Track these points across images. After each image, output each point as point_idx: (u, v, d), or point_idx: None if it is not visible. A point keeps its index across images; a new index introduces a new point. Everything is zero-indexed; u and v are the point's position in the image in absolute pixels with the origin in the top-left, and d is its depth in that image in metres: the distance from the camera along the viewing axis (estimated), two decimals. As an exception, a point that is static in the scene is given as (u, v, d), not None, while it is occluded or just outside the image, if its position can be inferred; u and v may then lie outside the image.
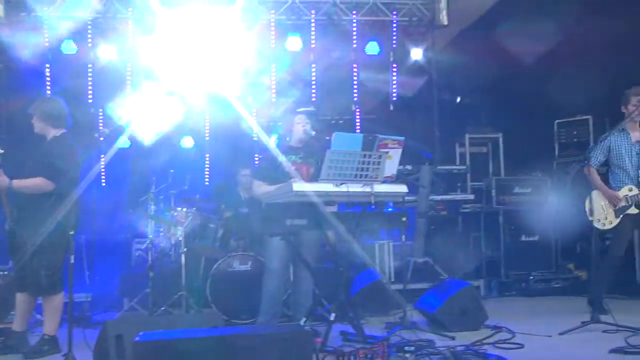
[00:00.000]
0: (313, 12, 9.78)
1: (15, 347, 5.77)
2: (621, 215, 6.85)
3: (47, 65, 9.23)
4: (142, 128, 9.24)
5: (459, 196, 9.41)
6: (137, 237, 9.07)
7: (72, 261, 5.16)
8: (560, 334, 6.01)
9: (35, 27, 9.19)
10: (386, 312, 7.32)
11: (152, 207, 7.79)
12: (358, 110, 10.19)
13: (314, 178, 5.98)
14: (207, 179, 10.10)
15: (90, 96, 9.46)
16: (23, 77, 9.22)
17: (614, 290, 7.88)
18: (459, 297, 6.50)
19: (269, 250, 6.21)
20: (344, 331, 5.99)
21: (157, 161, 8.90)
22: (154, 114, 9.33)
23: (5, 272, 7.01)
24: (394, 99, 10.15)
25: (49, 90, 9.15)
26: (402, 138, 5.68)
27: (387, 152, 5.57)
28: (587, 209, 6.95)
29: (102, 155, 9.18)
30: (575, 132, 9.78)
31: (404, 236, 6.54)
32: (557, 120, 9.97)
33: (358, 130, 9.99)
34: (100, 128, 9.20)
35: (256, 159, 9.62)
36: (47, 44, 9.18)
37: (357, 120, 10.20)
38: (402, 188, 5.84)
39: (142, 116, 9.19)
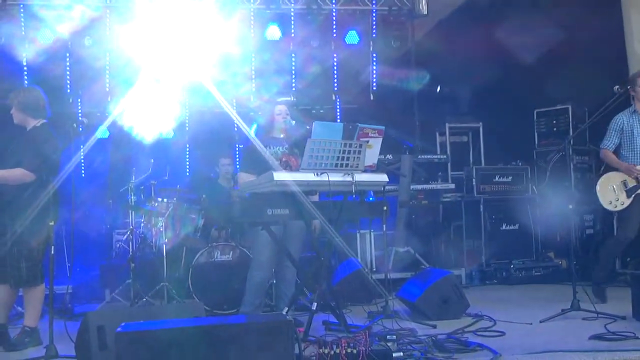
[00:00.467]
0: (292, 1, 9.75)
1: (-4, 340, 5.73)
2: (633, 196, 6.89)
3: (24, 55, 9.12)
4: (123, 118, 9.17)
5: (439, 185, 9.43)
6: (118, 228, 9.03)
7: (53, 252, 5.13)
8: (541, 321, 6.05)
9: (12, 16, 9.09)
10: (368, 301, 7.31)
11: (133, 197, 7.75)
12: (338, 99, 10.19)
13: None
14: (187, 169, 10.05)
15: (68, 86, 9.37)
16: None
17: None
18: (440, 285, 6.52)
19: (258, 242, 6.17)
20: (326, 320, 6.01)
21: (137, 151, 8.85)
22: (135, 104, 9.26)
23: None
24: (374, 88, 10.16)
25: (26, 80, 9.05)
26: (383, 127, 5.68)
27: (367, 141, 5.57)
28: (597, 193, 7.00)
29: (81, 146, 9.11)
30: (554, 122, 9.84)
31: (385, 225, 6.53)
32: (537, 110, 10.03)
33: (338, 120, 9.99)
34: (80, 118, 9.13)
35: (237, 148, 9.60)
36: (23, 33, 9.08)
37: (338, 110, 10.20)
38: (383, 177, 5.84)
39: (122, 106, 9.12)
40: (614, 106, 6.81)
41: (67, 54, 9.33)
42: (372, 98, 10.17)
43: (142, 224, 8.03)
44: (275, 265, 6.43)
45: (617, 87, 6.67)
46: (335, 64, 10.08)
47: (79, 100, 9.48)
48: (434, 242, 9.42)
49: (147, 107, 9.37)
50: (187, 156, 10.07)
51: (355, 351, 4.59)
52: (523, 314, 6.35)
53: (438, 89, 10.79)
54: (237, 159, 9.28)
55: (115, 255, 8.91)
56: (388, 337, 5.12)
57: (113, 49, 9.35)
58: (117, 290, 7.65)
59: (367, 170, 5.63)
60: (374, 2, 9.99)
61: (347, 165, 5.45)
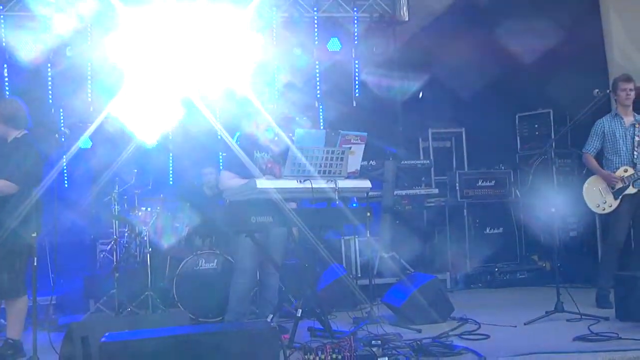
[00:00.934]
0: (274, 9, 9.77)
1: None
2: (620, 197, 6.92)
3: (5, 66, 9.08)
4: (106, 128, 9.16)
5: (423, 190, 9.45)
6: (102, 238, 8.98)
7: (35, 264, 5.10)
8: (526, 323, 6.10)
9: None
10: (353, 307, 7.34)
11: (116, 207, 7.72)
12: (321, 106, 10.21)
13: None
14: (170, 178, 10.02)
15: (50, 96, 9.33)
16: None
17: (576, 279, 8.03)
18: (424, 290, 6.54)
19: (240, 249, 6.13)
20: (311, 327, 6.01)
21: (120, 161, 8.81)
22: (117, 114, 9.24)
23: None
24: (357, 94, 10.19)
25: (7, 90, 9.01)
26: (365, 134, 5.71)
27: (350, 148, 5.59)
28: (584, 197, 7.04)
29: (63, 156, 9.07)
30: (536, 126, 9.91)
31: (368, 231, 6.55)
32: (519, 114, 10.09)
33: (321, 127, 10.00)
34: (62, 128, 9.09)
35: (220, 157, 9.58)
36: (4, 44, 9.05)
37: (321, 117, 10.22)
38: (366, 183, 5.88)
39: (104, 116, 9.10)
40: (594, 109, 6.87)
41: (49, 65, 9.28)
42: (354, 104, 10.19)
43: (126, 234, 8.01)
44: (259, 273, 6.42)
45: (596, 90, 6.72)
46: (317, 70, 10.10)
47: (61, 110, 9.43)
48: (418, 247, 9.42)
49: (130, 117, 9.36)
50: (171, 165, 10.03)
51: (340, 357, 4.60)
52: (507, 316, 6.38)
53: (420, 94, 10.82)
54: (221, 167, 9.24)
55: (99, 266, 8.86)
56: (373, 342, 5.14)
57: (94, 58, 9.32)
58: (102, 301, 7.61)
59: (350, 176, 5.66)
60: (355, 9, 10.03)
61: (330, 172, 5.48)
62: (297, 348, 5.08)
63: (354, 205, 7.87)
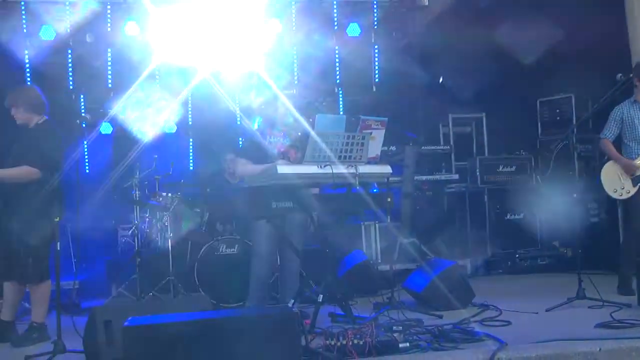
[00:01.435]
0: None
1: (4, 336, 5.75)
2: (639, 184, 6.85)
3: (26, 52, 9.12)
4: (126, 114, 9.20)
5: (443, 176, 9.43)
6: (123, 223, 9.03)
7: (59, 248, 5.14)
8: (547, 310, 6.07)
9: (13, 13, 9.09)
10: (374, 292, 7.34)
11: (137, 192, 7.76)
12: (340, 92, 10.19)
13: (300, 161, 5.96)
14: (191, 164, 10.05)
15: (70, 82, 9.37)
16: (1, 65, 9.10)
17: (599, 265, 7.97)
18: (445, 276, 6.53)
19: (257, 234, 6.13)
20: (332, 312, 6.03)
21: (141, 147, 8.85)
22: (137, 99, 9.29)
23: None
24: (377, 80, 10.16)
25: (28, 77, 9.05)
26: (385, 119, 5.69)
27: (370, 133, 5.58)
28: (602, 180, 6.98)
29: (84, 142, 9.13)
30: (557, 111, 9.83)
31: (389, 217, 6.53)
32: (540, 99, 10.02)
33: (341, 113, 9.99)
34: (82, 114, 9.14)
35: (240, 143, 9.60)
36: (25, 30, 9.08)
37: (340, 102, 10.20)
38: (386, 169, 5.87)
39: (124, 102, 9.15)
40: (616, 95, 6.79)
41: (69, 51, 9.32)
42: (374, 90, 10.16)
43: (147, 219, 8.04)
44: (279, 258, 6.43)
45: (619, 75, 6.65)
46: (337, 56, 10.07)
47: (82, 96, 9.47)
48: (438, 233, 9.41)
49: (150, 103, 9.40)
50: (191, 151, 10.06)
51: (361, 342, 4.61)
52: (529, 303, 6.37)
53: (440, 80, 10.76)
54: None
55: (120, 251, 8.93)
56: (394, 327, 5.15)
57: (115, 44, 9.35)
58: (124, 285, 7.66)
59: (370, 162, 5.64)
60: (375, -7, 9.99)
61: (350, 157, 5.46)
62: (319, 333, 5.09)
63: (375, 190, 7.86)
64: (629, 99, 7.05)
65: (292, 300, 5.85)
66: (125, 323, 4.06)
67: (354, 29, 9.95)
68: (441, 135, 10.36)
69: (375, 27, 10.05)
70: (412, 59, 10.17)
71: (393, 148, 8.87)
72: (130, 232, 8.51)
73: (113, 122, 9.77)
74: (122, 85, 9.35)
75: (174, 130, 9.97)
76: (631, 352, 4.62)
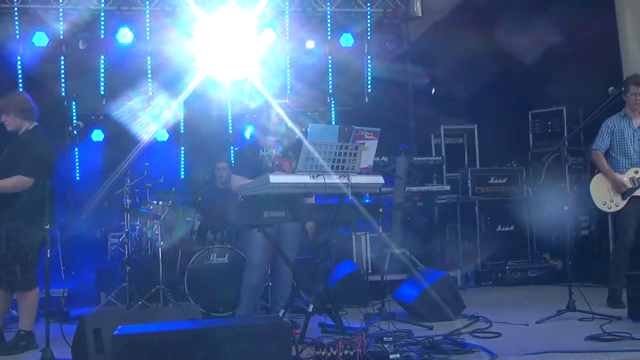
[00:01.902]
0: (287, 3, 9.76)
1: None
2: (628, 198, 6.85)
3: (19, 58, 9.10)
4: (118, 121, 9.20)
5: (434, 187, 9.41)
6: (113, 231, 9.01)
7: (49, 255, 5.10)
8: (537, 322, 6.06)
9: (6, 19, 9.07)
10: (364, 303, 7.33)
11: (128, 200, 7.74)
12: (333, 101, 10.20)
13: (294, 171, 5.95)
14: (182, 172, 10.03)
15: (63, 88, 9.35)
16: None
17: (589, 278, 7.98)
18: (436, 287, 6.52)
19: (251, 243, 6.12)
20: (322, 322, 6.00)
21: (132, 154, 8.85)
22: (130, 107, 9.29)
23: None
24: (369, 90, 10.17)
25: (21, 83, 9.02)
26: (378, 129, 5.69)
27: (363, 144, 5.58)
28: (591, 192, 6.98)
29: (75, 149, 9.11)
30: (549, 123, 9.86)
31: (381, 227, 6.52)
32: (532, 111, 10.05)
33: (333, 122, 9.99)
34: (74, 121, 9.12)
35: (232, 151, 9.60)
36: (18, 36, 9.06)
37: (333, 112, 10.21)
38: (379, 179, 5.87)
39: (118, 109, 9.15)
40: (608, 107, 6.82)
41: (62, 57, 9.29)
42: (366, 100, 10.18)
43: (138, 227, 8.02)
44: (271, 267, 6.42)
45: (612, 88, 6.67)
46: (330, 66, 10.09)
47: (74, 103, 9.45)
48: (429, 244, 9.41)
49: (142, 110, 9.40)
50: (182, 159, 10.04)
51: (352, 353, 4.59)
52: (519, 315, 6.36)
53: (433, 90, 10.80)
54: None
55: (110, 259, 8.90)
56: (385, 338, 5.13)
57: (107, 51, 9.33)
58: (113, 294, 7.64)
59: (363, 172, 5.64)
60: (368, 4, 10.00)
61: (343, 167, 5.46)
62: (309, 343, 5.07)
63: (366, 201, 7.86)
64: (619, 112, 7.08)
65: (283, 310, 5.84)
66: (115, 332, 4.04)
67: (347, 39, 9.98)
68: (433, 146, 10.37)
69: (369, 37, 10.07)
70: (405, 70, 10.20)
71: (385, 158, 8.87)
72: (120, 239, 8.49)
73: (104, 129, 9.76)
74: (114, 93, 9.35)
75: (165, 138, 9.96)
76: (621, 365, 4.63)
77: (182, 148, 10.03)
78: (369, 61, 10.14)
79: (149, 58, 9.49)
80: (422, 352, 4.95)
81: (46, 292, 5.15)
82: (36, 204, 5.48)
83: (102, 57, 9.38)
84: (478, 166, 10.17)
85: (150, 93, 9.49)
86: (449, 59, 10.20)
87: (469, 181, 9.56)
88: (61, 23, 9.16)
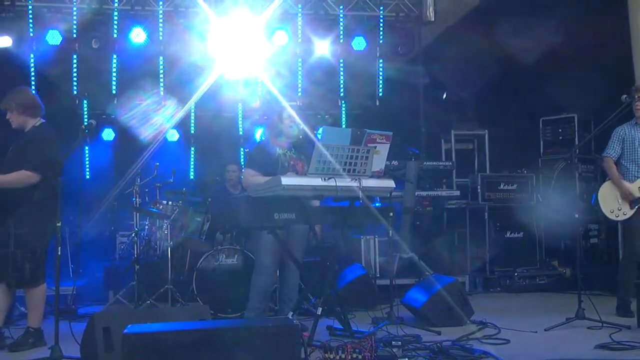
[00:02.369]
0: (300, 6, 9.77)
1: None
2: (636, 207, 6.81)
3: (32, 56, 9.13)
4: (129, 120, 9.23)
5: (444, 192, 9.40)
6: (121, 230, 9.03)
7: (59, 253, 5.10)
8: (546, 329, 6.05)
9: (20, 17, 9.11)
10: (372, 306, 7.32)
11: (138, 199, 7.75)
12: (344, 105, 10.21)
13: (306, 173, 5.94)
14: (192, 173, 10.05)
15: (75, 86, 9.37)
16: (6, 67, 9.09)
17: (598, 286, 7.95)
18: (444, 292, 6.50)
19: (261, 245, 6.09)
20: (330, 326, 6.00)
21: (143, 154, 8.87)
22: (141, 107, 9.31)
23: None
24: (380, 94, 10.18)
25: (33, 81, 9.04)
26: (390, 133, 5.68)
27: (375, 147, 5.57)
28: (599, 200, 6.95)
29: (86, 147, 9.14)
30: (560, 130, 9.85)
31: (390, 231, 6.50)
32: (543, 118, 10.03)
33: (344, 125, 9.99)
34: (86, 120, 9.15)
35: (243, 153, 9.62)
36: (31, 34, 9.09)
37: (343, 115, 10.22)
38: (390, 183, 5.85)
39: (129, 109, 9.18)
40: (620, 116, 6.79)
41: (74, 56, 9.32)
42: (377, 104, 10.17)
43: (147, 227, 8.03)
44: (280, 269, 6.41)
45: (624, 96, 6.64)
46: (341, 69, 10.10)
47: (85, 101, 9.47)
48: (438, 249, 9.39)
49: (153, 110, 9.43)
50: (192, 159, 10.06)
51: (360, 357, 4.58)
52: (527, 322, 6.34)
53: (444, 95, 10.79)
54: (243, 163, 9.26)
55: (118, 257, 8.92)
56: (393, 343, 5.13)
57: (120, 51, 9.36)
58: (121, 292, 7.65)
59: (374, 175, 5.63)
60: (381, 8, 10.01)
61: (354, 170, 5.46)
62: (317, 346, 5.06)
63: (377, 204, 7.85)
64: (631, 120, 7.04)
65: (292, 312, 5.83)
66: (125, 330, 4.04)
67: (359, 43, 9.97)
68: (443, 151, 10.37)
69: (381, 41, 10.07)
70: (416, 74, 10.20)
71: (395, 162, 8.86)
72: (129, 238, 8.51)
73: (115, 128, 9.80)
74: (126, 92, 9.38)
75: (176, 139, 9.99)
76: (630, 374, 4.62)
77: (193, 148, 10.06)
78: (380, 65, 10.14)
79: (161, 58, 9.52)
80: (430, 357, 4.95)
81: (56, 289, 5.14)
82: (46, 201, 5.49)
83: (115, 56, 9.41)
84: (488, 172, 10.16)
85: (162, 93, 9.51)
86: (461, 64, 10.20)
87: (478, 187, 9.53)
88: (74, 22, 9.19)
